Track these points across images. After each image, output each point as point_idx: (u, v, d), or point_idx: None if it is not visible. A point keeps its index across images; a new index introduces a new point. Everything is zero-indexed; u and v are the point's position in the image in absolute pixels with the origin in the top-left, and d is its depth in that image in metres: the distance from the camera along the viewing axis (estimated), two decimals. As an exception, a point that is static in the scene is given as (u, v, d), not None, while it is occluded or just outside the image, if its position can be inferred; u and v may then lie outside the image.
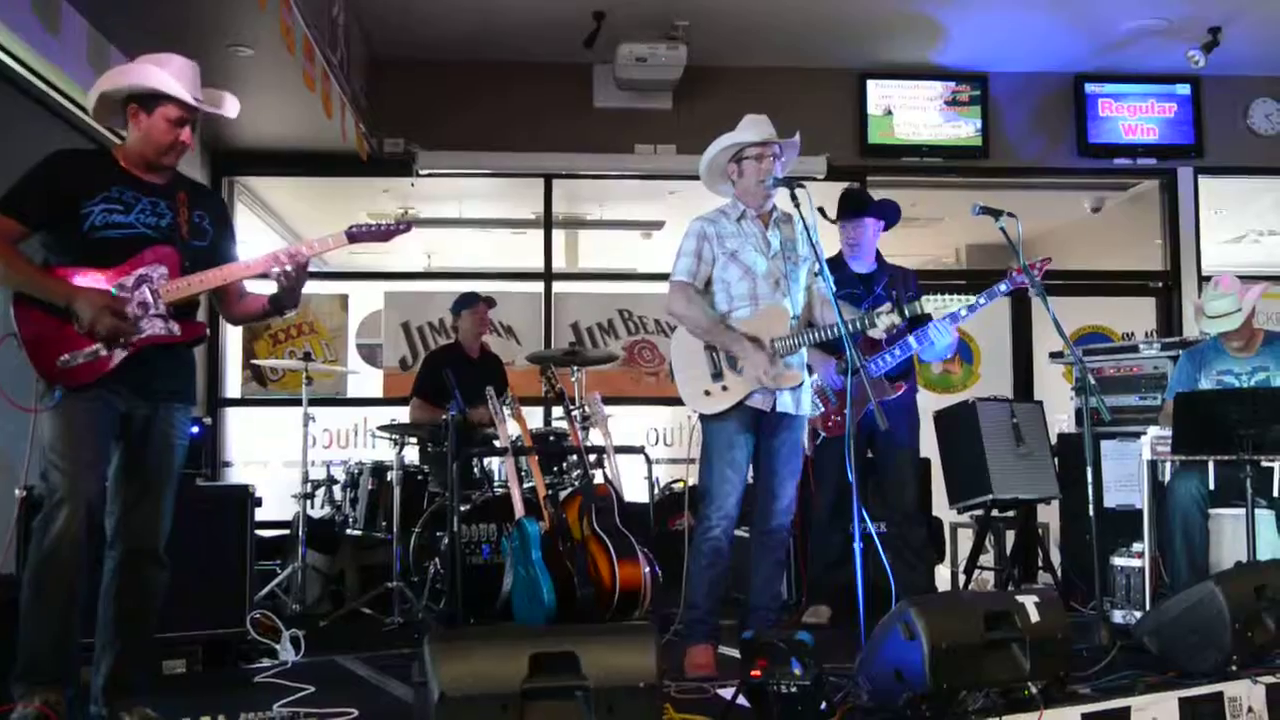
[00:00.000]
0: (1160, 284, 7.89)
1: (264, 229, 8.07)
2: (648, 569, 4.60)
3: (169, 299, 3.05)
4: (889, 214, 5.06)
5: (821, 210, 4.94)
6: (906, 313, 3.84)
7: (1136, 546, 4.68)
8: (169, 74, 3.04)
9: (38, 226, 3.01)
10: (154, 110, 3.05)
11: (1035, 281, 4.09)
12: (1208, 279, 6.83)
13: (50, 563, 2.88)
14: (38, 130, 4.59)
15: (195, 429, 4.54)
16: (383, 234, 3.26)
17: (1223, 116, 7.71)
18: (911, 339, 4.45)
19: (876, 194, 5.22)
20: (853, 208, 5.01)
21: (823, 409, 4.75)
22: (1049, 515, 5.95)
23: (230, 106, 3.21)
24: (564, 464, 5.33)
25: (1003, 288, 4.29)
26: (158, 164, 3.12)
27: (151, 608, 3.14)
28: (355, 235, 3.23)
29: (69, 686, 2.95)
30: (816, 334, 3.86)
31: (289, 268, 3.13)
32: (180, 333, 3.09)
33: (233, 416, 7.23)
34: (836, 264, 4.88)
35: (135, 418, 3.05)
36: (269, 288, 3.25)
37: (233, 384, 7.29)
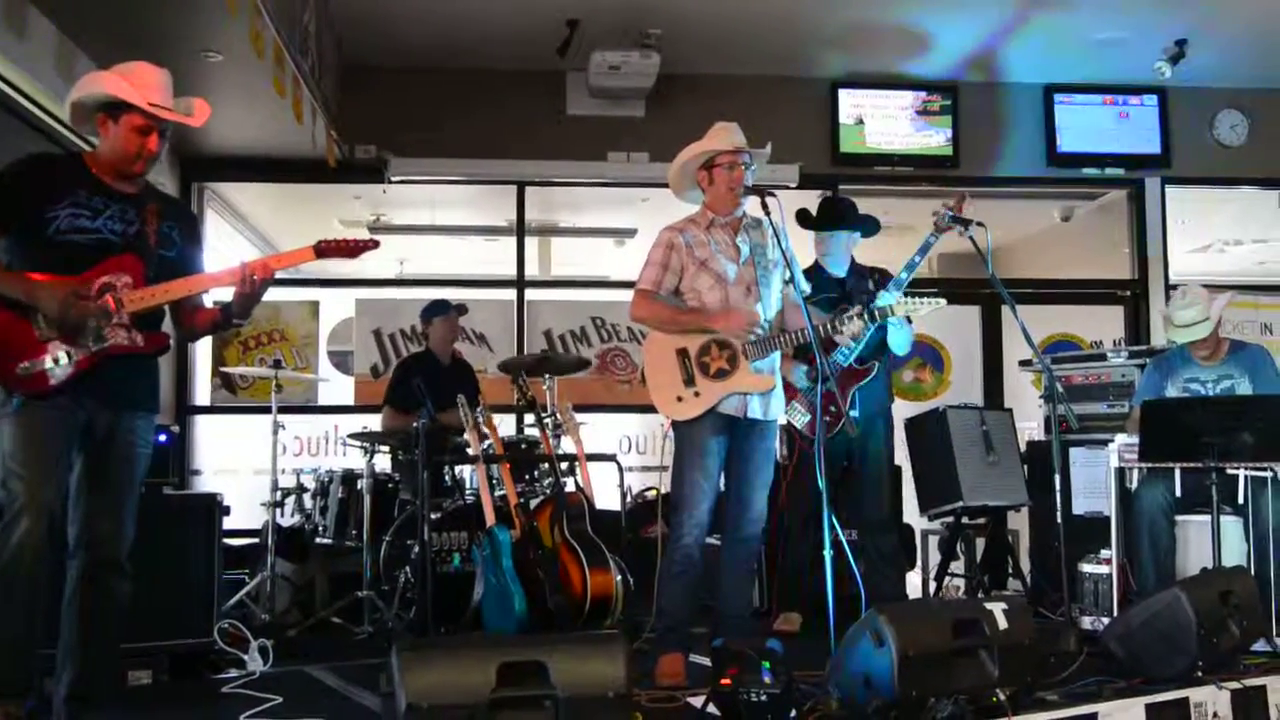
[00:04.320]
0: (1128, 293, 7.96)
1: (234, 235, 8.01)
2: (619, 577, 4.59)
3: (132, 308, 3.03)
4: (867, 227, 5.10)
5: (803, 213, 4.98)
6: (878, 317, 3.86)
7: (1104, 553, 4.72)
8: (132, 82, 3.04)
9: (2, 230, 2.98)
10: (120, 119, 3.05)
11: (960, 218, 4.24)
12: (1175, 288, 6.91)
13: (10, 572, 2.85)
14: (4, 137, 4.54)
15: (163, 437, 4.50)
16: (351, 249, 3.27)
17: (1189, 127, 7.80)
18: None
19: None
20: (829, 220, 5.03)
21: (809, 417, 4.76)
22: (1018, 522, 6.00)
23: (198, 114, 3.19)
24: (535, 472, 5.31)
25: (931, 239, 4.44)
26: (127, 172, 3.11)
27: (114, 617, 3.11)
28: (324, 251, 3.23)
29: (29, 698, 2.93)
30: (788, 339, 3.87)
31: (255, 278, 3.11)
32: (143, 343, 3.07)
33: (202, 424, 7.17)
34: (813, 269, 4.90)
35: (97, 426, 3.03)
36: (224, 297, 3.23)
37: (202, 392, 7.23)
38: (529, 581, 4.46)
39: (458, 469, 5.49)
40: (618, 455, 5.18)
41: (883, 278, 5.03)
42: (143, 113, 3.03)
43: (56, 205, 2.98)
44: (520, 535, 4.59)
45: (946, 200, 4.41)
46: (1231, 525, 4.40)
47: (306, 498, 5.74)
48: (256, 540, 5.69)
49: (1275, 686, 3.60)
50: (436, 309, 6.00)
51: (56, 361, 2.93)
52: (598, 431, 6.50)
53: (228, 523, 4.36)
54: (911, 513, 5.74)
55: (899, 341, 4.74)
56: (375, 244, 3.32)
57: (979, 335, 7.87)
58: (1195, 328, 4.69)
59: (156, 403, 3.24)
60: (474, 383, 5.93)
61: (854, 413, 4.73)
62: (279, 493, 5.44)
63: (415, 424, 4.86)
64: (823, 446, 3.51)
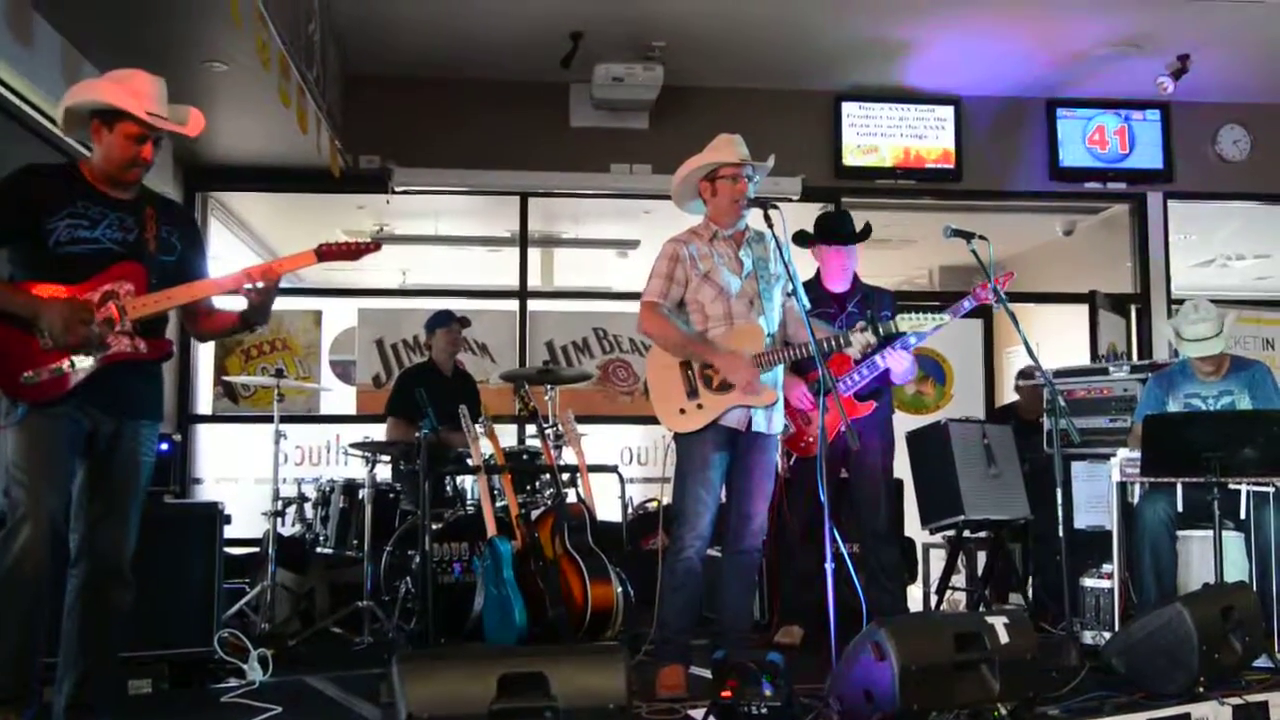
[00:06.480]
0: (1130, 307, 7.96)
1: (238, 245, 8.03)
2: (620, 589, 4.59)
3: (135, 315, 3.03)
4: (861, 236, 5.09)
5: (799, 234, 4.97)
6: (881, 332, 3.85)
7: (1106, 567, 4.70)
8: (128, 90, 3.04)
9: (2, 243, 2.99)
10: (114, 127, 3.04)
11: (1002, 297, 4.14)
12: (1178, 302, 6.91)
13: (12, 580, 2.85)
14: (9, 145, 4.55)
15: (164, 446, 4.50)
16: (352, 253, 3.28)
17: (1191, 142, 7.82)
18: (878, 358, 4.48)
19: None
20: (836, 236, 5.00)
21: (794, 430, 4.76)
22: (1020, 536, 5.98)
23: (193, 124, 3.19)
24: (537, 483, 5.31)
25: (966, 304, 4.35)
26: (122, 179, 3.11)
27: (115, 626, 3.10)
28: (325, 254, 3.24)
29: (30, 706, 2.91)
30: (792, 352, 3.87)
31: (259, 284, 3.12)
32: (147, 350, 3.07)
33: (204, 433, 7.17)
34: (811, 283, 4.89)
35: (101, 434, 3.03)
36: (239, 304, 3.24)
37: (204, 400, 7.23)
38: (530, 592, 4.45)
39: (459, 479, 5.49)
40: (619, 466, 5.18)
41: (880, 294, 5.03)
42: (138, 121, 3.04)
43: (54, 217, 2.97)
44: (521, 546, 4.58)
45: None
46: (1233, 540, 4.39)
47: (308, 507, 5.74)
48: (257, 549, 5.67)
49: (1277, 702, 3.59)
50: (439, 320, 6.01)
51: (73, 364, 2.93)
52: (599, 442, 6.50)
53: (228, 532, 4.36)
54: (913, 526, 5.72)
55: (897, 372, 4.67)
56: (376, 247, 3.33)
57: (980, 348, 7.86)
58: (1209, 343, 4.67)
59: (160, 410, 3.24)
60: (475, 394, 5.94)
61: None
62: (280, 502, 5.43)
63: (417, 435, 4.87)
64: (823, 459, 3.51)
